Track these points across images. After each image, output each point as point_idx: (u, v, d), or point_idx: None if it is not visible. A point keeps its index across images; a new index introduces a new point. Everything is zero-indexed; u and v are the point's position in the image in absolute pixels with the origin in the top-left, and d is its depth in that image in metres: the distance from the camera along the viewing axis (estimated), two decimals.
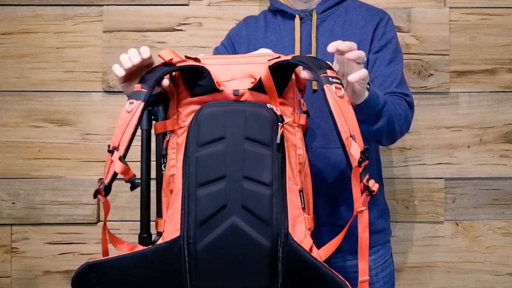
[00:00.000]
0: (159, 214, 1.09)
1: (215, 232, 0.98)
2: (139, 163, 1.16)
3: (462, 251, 1.70)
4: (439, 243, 1.70)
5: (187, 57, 1.07)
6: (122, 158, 0.97)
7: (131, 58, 1.03)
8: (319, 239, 1.05)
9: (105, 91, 1.68)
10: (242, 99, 1.08)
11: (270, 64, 1.02)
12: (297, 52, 1.28)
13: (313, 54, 1.27)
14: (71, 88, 1.68)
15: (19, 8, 1.68)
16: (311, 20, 1.30)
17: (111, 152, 0.98)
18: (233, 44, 1.38)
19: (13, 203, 1.67)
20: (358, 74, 0.97)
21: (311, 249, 1.00)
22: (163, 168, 1.10)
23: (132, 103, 0.99)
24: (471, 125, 1.69)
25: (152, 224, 1.12)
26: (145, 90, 0.99)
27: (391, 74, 1.26)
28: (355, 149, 0.94)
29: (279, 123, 1.03)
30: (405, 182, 1.70)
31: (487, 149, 1.69)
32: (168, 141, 1.08)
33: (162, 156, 1.09)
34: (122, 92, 1.64)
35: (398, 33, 1.64)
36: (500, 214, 1.70)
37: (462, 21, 1.68)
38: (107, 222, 1.64)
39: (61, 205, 1.67)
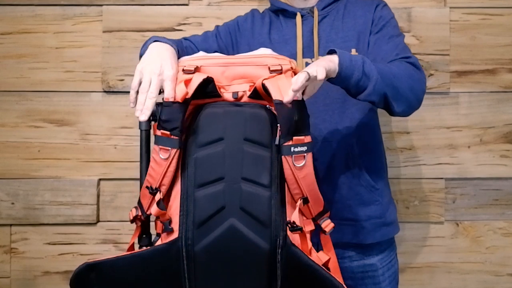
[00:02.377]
0: None
1: (213, 234, 0.98)
2: (135, 163, 1.15)
3: (463, 251, 1.70)
4: (439, 244, 1.70)
5: (185, 71, 1.06)
6: (162, 202, 1.01)
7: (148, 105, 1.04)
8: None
9: (105, 91, 1.67)
10: (241, 101, 1.08)
11: (265, 79, 1.03)
12: (299, 49, 1.28)
13: (316, 50, 1.28)
14: (70, 88, 1.67)
15: (18, 8, 1.67)
16: (313, 17, 1.30)
17: (153, 193, 1.02)
18: (236, 31, 1.38)
19: (13, 203, 1.67)
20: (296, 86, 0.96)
21: (310, 251, 1.00)
22: None
23: (167, 150, 1.01)
24: (471, 125, 1.69)
25: (152, 224, 1.12)
26: (177, 138, 1.01)
27: (391, 48, 1.25)
28: (295, 216, 0.99)
29: (278, 124, 1.02)
30: (405, 182, 1.69)
31: (487, 149, 1.69)
32: None
33: None
34: (121, 92, 1.66)
35: None
36: (501, 214, 1.70)
37: (463, 21, 1.68)
38: (108, 223, 1.67)
39: (61, 206, 1.67)
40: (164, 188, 1.03)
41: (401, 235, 1.69)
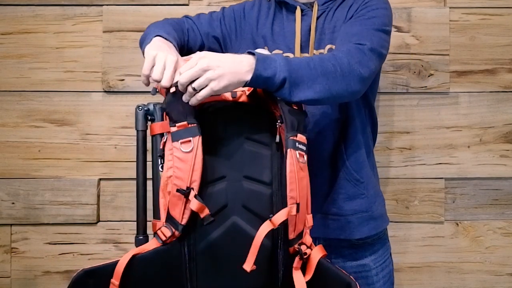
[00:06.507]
0: (156, 215, 1.07)
1: (216, 232, 0.98)
2: (135, 163, 1.14)
3: (462, 251, 1.70)
4: (439, 243, 1.70)
5: None
6: (198, 196, 0.96)
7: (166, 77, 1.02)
8: (313, 226, 1.06)
9: (105, 91, 1.67)
10: (240, 100, 1.08)
11: None
12: (297, 43, 1.27)
13: (311, 45, 1.26)
14: (71, 88, 1.68)
15: (19, 8, 1.67)
16: (312, 11, 1.30)
17: (185, 193, 0.96)
18: (242, 18, 1.36)
19: (13, 203, 1.67)
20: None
21: (311, 247, 1.00)
22: (161, 169, 1.09)
23: (188, 141, 0.96)
24: (471, 125, 1.69)
25: (148, 224, 1.11)
26: (195, 124, 0.98)
27: (355, 31, 1.16)
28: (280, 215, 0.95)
29: (278, 122, 1.03)
30: (405, 182, 1.70)
31: (487, 149, 1.69)
32: (165, 142, 1.05)
33: (159, 157, 1.07)
34: (122, 92, 1.67)
35: (398, 33, 1.66)
36: (500, 214, 1.70)
37: (462, 21, 1.68)
38: (108, 222, 1.67)
39: (61, 205, 1.67)
40: (196, 185, 0.96)
41: (401, 235, 1.69)
